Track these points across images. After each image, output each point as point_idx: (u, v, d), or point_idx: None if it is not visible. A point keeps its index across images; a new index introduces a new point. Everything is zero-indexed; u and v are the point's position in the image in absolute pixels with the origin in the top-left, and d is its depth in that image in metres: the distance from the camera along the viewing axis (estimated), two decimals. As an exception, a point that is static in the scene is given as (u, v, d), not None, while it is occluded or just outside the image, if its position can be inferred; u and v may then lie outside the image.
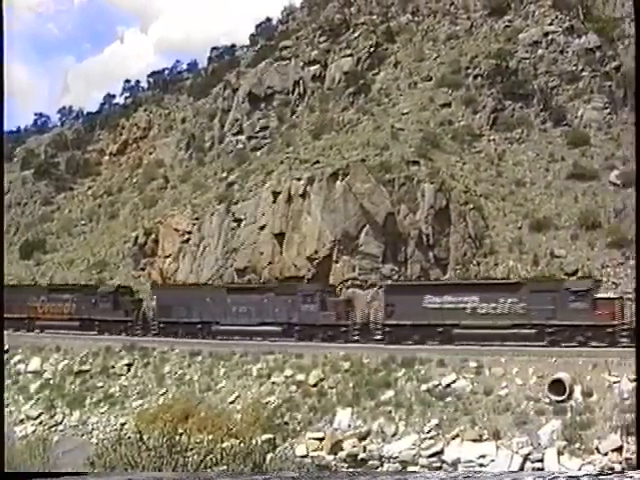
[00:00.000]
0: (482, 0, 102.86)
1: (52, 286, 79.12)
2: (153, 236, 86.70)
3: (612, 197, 70.94)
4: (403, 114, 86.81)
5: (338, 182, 68.91)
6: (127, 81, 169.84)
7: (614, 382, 42.50)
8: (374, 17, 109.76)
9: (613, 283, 63.24)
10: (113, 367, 58.71)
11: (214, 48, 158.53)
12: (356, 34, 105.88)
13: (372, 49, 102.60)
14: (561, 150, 78.60)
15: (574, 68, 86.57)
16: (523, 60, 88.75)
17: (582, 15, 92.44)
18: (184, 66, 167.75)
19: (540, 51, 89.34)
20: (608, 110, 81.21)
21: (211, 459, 22.80)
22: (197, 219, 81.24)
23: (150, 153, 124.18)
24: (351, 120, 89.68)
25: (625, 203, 69.47)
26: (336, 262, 66.58)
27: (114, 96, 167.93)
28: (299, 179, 71.19)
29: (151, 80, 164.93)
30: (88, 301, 69.92)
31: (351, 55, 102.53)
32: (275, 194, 71.82)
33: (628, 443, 38.35)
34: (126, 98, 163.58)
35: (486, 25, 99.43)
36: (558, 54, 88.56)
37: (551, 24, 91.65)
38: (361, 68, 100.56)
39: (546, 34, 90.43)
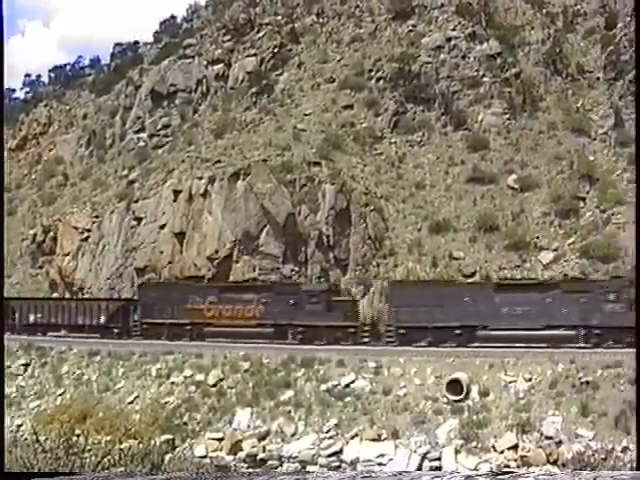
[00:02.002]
0: (386, 4, 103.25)
1: (225, 283, 64.61)
2: (52, 234, 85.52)
3: (510, 201, 72.20)
4: (305, 115, 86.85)
5: (239, 182, 68.89)
6: (27, 75, 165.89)
7: (510, 382, 43.34)
8: (279, 18, 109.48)
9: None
10: (9, 367, 57.56)
11: (117, 44, 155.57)
12: (260, 34, 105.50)
13: (276, 49, 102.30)
14: (461, 154, 79.48)
15: (475, 73, 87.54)
16: (425, 64, 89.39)
17: (484, 22, 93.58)
18: (86, 62, 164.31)
19: (442, 56, 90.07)
20: (507, 115, 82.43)
21: (109, 460, 22.56)
22: (97, 217, 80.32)
23: (50, 149, 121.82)
24: (253, 120, 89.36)
25: (522, 207, 70.87)
26: (236, 262, 66.51)
27: (14, 90, 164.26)
28: (200, 178, 70.90)
29: (52, 75, 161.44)
30: (285, 302, 57.59)
31: (255, 55, 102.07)
32: (176, 193, 71.37)
33: (523, 441, 39.15)
34: (26, 93, 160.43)
35: (390, 29, 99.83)
36: (460, 59, 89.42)
37: (454, 29, 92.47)
38: (265, 68, 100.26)
39: (449, 39, 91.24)
